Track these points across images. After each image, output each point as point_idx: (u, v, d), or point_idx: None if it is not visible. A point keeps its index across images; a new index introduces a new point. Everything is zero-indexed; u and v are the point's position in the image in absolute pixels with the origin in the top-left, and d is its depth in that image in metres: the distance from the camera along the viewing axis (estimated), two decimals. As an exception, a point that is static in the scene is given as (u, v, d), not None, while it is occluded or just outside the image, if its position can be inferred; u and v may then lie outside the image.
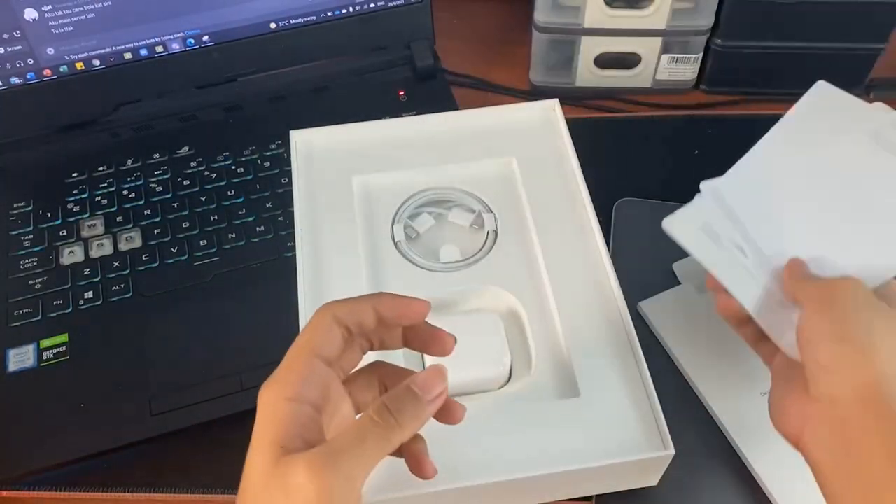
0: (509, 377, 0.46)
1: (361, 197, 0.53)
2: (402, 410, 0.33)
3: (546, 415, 0.43)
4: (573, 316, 0.46)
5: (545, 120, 0.56)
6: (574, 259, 0.49)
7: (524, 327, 0.47)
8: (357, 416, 0.37)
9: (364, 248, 0.50)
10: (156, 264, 0.56)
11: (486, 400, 0.44)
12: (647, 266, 0.56)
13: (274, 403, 0.32)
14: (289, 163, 0.61)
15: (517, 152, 0.54)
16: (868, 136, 0.44)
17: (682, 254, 0.43)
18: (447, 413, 0.36)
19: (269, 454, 0.31)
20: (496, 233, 0.51)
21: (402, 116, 0.64)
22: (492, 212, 0.52)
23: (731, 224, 0.43)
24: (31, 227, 0.59)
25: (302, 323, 0.47)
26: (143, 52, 0.62)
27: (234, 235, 0.58)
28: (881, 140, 0.43)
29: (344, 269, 0.49)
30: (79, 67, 0.62)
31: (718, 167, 0.45)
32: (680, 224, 0.43)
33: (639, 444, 0.42)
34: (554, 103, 0.56)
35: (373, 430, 0.32)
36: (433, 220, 0.52)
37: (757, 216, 0.43)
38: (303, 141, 0.55)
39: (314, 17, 0.64)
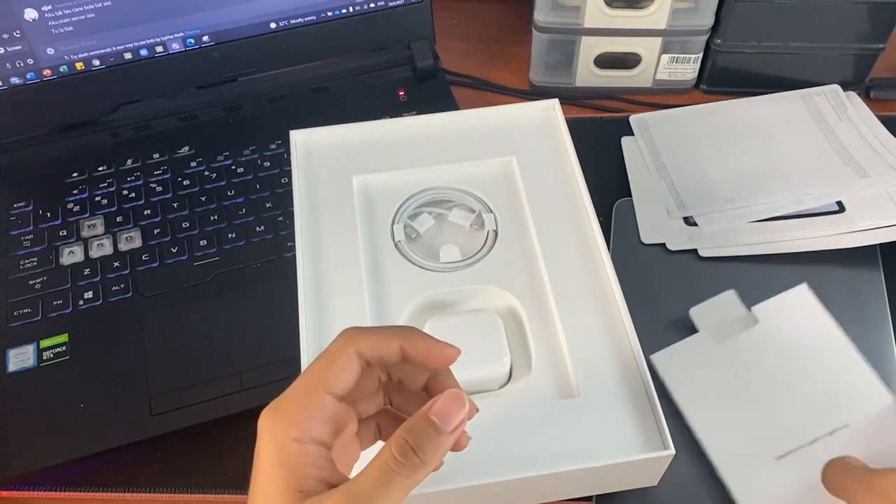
0: (509, 377, 0.46)
1: (361, 197, 0.53)
2: (424, 448, 0.31)
3: (545, 415, 0.43)
4: (573, 316, 0.46)
5: (545, 119, 0.56)
6: (574, 259, 0.49)
7: (524, 327, 0.47)
8: (377, 444, 0.37)
9: (364, 249, 0.50)
10: (156, 264, 0.56)
11: (485, 400, 0.44)
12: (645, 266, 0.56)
13: (282, 443, 0.31)
14: (289, 163, 0.61)
15: (517, 152, 0.54)
16: None
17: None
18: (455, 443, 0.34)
19: (290, 500, 0.30)
20: (496, 233, 0.51)
21: (402, 116, 0.64)
22: (492, 212, 0.52)
23: None
24: (31, 227, 0.59)
25: (303, 323, 0.47)
26: (143, 52, 0.62)
27: (234, 235, 0.58)
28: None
29: (344, 269, 0.49)
30: (79, 67, 0.62)
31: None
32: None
33: (638, 445, 0.42)
34: (554, 103, 0.56)
35: (398, 472, 0.30)
36: (433, 220, 0.52)
37: None
38: (303, 141, 0.55)
39: (314, 17, 0.64)
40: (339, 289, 0.48)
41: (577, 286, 0.48)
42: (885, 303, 0.54)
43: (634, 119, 0.66)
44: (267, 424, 0.32)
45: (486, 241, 0.51)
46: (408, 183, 0.53)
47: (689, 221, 0.59)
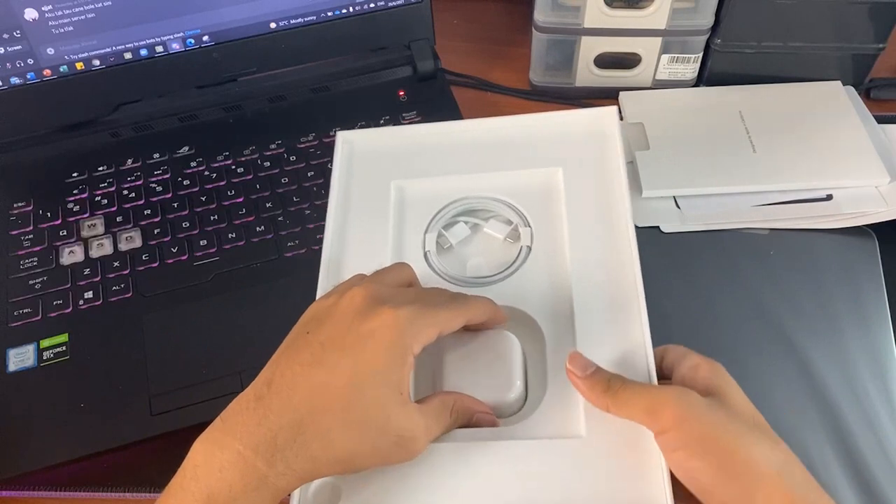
0: (523, 404, 0.42)
1: (397, 202, 0.50)
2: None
3: (551, 454, 0.39)
4: (594, 347, 0.42)
5: (600, 129, 0.51)
6: (605, 289, 0.44)
7: (545, 356, 0.43)
8: None
9: (392, 256, 0.48)
10: (156, 264, 0.56)
11: (489, 432, 0.41)
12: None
13: (407, 350, 0.36)
14: (288, 163, 0.62)
15: (565, 163, 0.50)
16: None
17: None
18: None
19: (404, 395, 0.36)
20: (530, 248, 0.48)
21: (402, 116, 0.64)
22: (529, 226, 0.48)
23: None
24: (31, 227, 0.59)
25: None
26: (143, 52, 0.63)
27: (234, 235, 0.58)
28: None
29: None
30: (79, 67, 0.62)
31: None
32: None
33: (645, 498, 0.37)
34: (612, 111, 0.51)
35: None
36: (468, 230, 0.49)
37: None
38: (347, 141, 0.53)
39: (314, 17, 0.64)
40: None
41: (604, 319, 0.43)
42: (885, 303, 0.54)
43: (625, 95, 0.68)
44: (397, 326, 0.35)
45: (517, 257, 0.48)
46: (446, 190, 0.50)
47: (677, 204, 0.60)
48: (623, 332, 0.42)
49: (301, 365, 0.34)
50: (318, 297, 0.44)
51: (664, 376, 0.40)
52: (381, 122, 0.64)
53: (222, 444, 0.33)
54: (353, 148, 0.53)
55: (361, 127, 0.63)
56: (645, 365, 0.40)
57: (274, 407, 0.33)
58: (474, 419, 0.39)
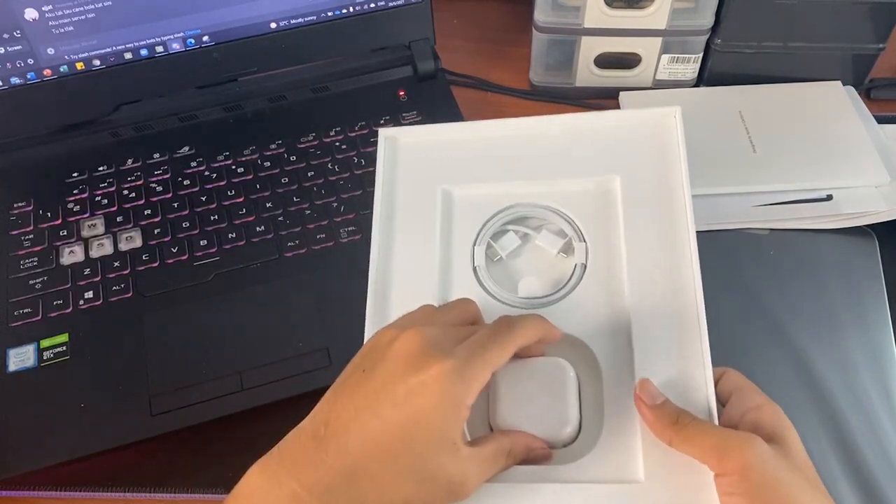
0: (577, 434, 0.40)
1: (444, 210, 0.47)
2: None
3: (609, 501, 0.38)
4: (653, 381, 0.39)
5: (661, 131, 0.47)
6: (665, 314, 0.41)
7: (601, 385, 0.41)
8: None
9: (439, 268, 0.45)
10: (156, 264, 0.56)
11: (543, 472, 0.39)
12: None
13: (459, 404, 0.35)
14: (288, 163, 0.62)
15: (623, 170, 0.46)
16: None
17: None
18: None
19: (460, 442, 0.35)
20: (585, 266, 0.44)
21: (402, 116, 0.64)
22: (584, 241, 0.45)
23: None
24: (31, 227, 0.59)
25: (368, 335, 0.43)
26: (143, 52, 0.62)
27: (234, 235, 0.58)
28: None
29: (413, 289, 0.44)
30: (79, 67, 0.62)
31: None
32: None
33: None
34: (675, 111, 0.46)
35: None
36: (518, 241, 0.46)
37: None
38: (390, 139, 0.49)
39: (314, 18, 0.64)
40: (406, 309, 0.42)
41: (663, 347, 0.40)
42: (885, 303, 0.54)
43: (625, 95, 0.68)
44: (447, 379, 0.34)
45: (572, 275, 0.44)
46: (495, 197, 0.47)
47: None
48: (683, 363, 0.40)
49: (356, 409, 0.34)
50: (367, 319, 0.43)
51: (719, 400, 0.39)
52: (382, 121, 0.64)
53: (280, 479, 0.34)
54: (398, 147, 0.49)
55: (362, 127, 0.63)
56: (705, 399, 0.39)
57: (330, 450, 0.34)
58: (530, 456, 0.39)
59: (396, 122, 0.64)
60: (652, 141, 0.46)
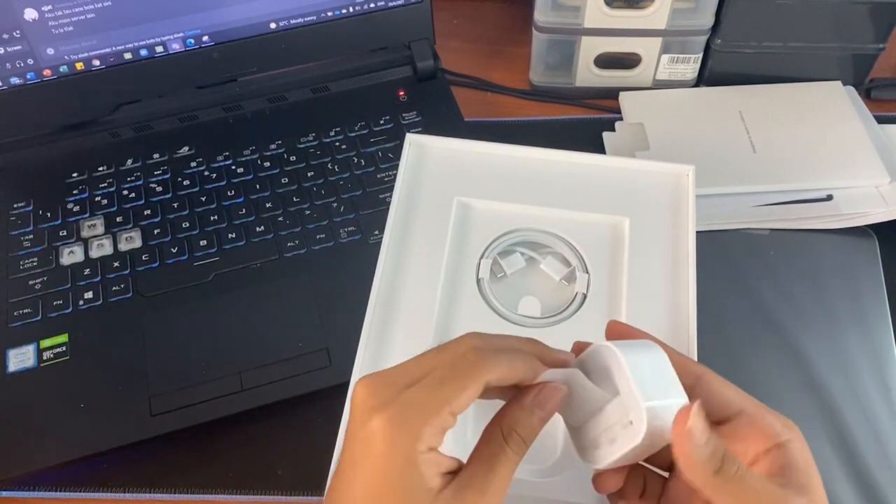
0: (559, 454, 0.42)
1: (458, 220, 0.49)
2: (523, 426, 0.33)
3: None
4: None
5: (674, 186, 0.50)
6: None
7: None
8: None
9: (445, 276, 0.47)
10: (156, 264, 0.56)
11: (523, 487, 0.40)
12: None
13: (406, 452, 0.31)
14: (288, 163, 0.62)
15: (633, 214, 0.49)
16: None
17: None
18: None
19: (423, 499, 0.31)
20: (585, 296, 0.46)
21: (402, 116, 0.64)
22: (587, 272, 0.47)
23: None
24: (31, 227, 0.59)
25: (363, 343, 0.45)
26: (143, 52, 0.62)
27: (234, 235, 0.58)
28: None
29: (418, 292, 0.46)
30: (79, 67, 0.62)
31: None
32: None
33: None
34: (688, 170, 0.50)
35: (503, 453, 0.33)
36: (523, 263, 0.48)
37: None
38: (416, 145, 0.52)
39: (314, 18, 0.64)
40: (408, 311, 0.45)
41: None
42: (885, 303, 0.54)
43: (625, 95, 0.68)
44: (388, 430, 0.31)
45: (571, 302, 0.46)
46: (508, 216, 0.49)
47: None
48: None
49: (336, 473, 0.34)
50: (367, 314, 0.44)
51: (713, 417, 0.35)
52: (381, 122, 0.64)
53: None
54: (422, 154, 0.51)
55: (361, 127, 0.63)
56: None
57: None
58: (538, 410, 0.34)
59: (396, 123, 0.64)
60: (664, 191, 0.50)
